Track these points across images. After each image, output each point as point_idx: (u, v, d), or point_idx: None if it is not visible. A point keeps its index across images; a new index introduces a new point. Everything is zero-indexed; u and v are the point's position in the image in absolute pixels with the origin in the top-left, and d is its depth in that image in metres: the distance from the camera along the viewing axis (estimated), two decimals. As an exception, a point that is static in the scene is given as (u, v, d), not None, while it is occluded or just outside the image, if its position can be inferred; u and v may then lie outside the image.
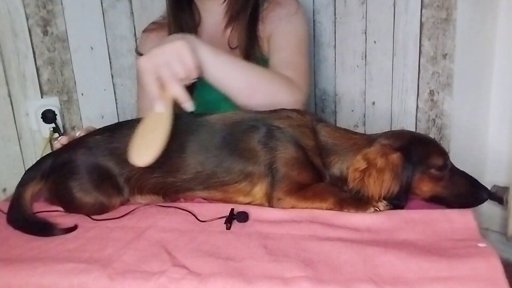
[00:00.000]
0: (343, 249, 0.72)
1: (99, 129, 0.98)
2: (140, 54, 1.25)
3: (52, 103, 1.46)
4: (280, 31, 1.17)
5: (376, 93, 1.47)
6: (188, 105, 0.90)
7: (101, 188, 0.90)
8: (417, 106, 1.38)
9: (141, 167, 0.91)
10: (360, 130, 1.51)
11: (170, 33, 1.20)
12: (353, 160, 0.86)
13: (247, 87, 1.01)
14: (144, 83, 0.89)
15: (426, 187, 0.84)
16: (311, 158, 0.89)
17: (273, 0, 1.21)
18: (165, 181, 0.91)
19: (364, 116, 1.51)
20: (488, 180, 1.37)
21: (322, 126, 0.92)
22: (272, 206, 0.88)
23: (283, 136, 0.89)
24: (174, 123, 0.95)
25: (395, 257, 0.69)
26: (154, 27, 1.27)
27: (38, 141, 1.47)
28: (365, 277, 0.65)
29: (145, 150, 0.87)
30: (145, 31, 1.30)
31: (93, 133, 0.98)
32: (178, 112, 1.18)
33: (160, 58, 0.88)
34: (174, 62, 0.88)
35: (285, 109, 0.95)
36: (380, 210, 0.82)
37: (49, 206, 0.93)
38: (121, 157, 0.91)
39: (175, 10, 1.20)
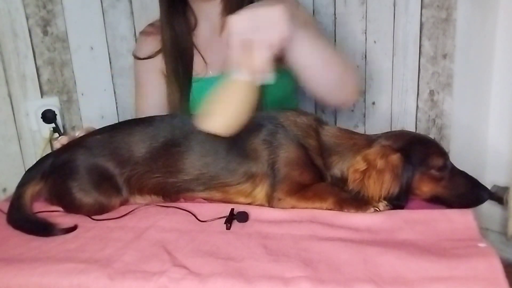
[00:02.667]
0: (343, 249, 0.72)
1: (99, 129, 0.98)
2: (137, 58, 1.26)
3: (52, 103, 1.46)
4: None
5: (376, 93, 1.47)
6: (270, 77, 0.81)
7: (101, 188, 0.90)
8: (417, 106, 1.38)
9: (141, 167, 0.91)
10: (360, 130, 1.51)
11: (164, 38, 1.18)
12: (353, 161, 0.86)
13: (327, 61, 0.93)
14: (229, 44, 0.80)
15: (426, 188, 0.84)
16: (313, 158, 0.89)
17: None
18: (166, 182, 0.91)
19: (364, 116, 1.51)
20: (488, 180, 1.37)
21: (324, 126, 0.93)
22: (272, 206, 0.88)
23: (286, 136, 0.89)
24: (175, 123, 0.95)
25: (395, 257, 0.69)
26: (151, 30, 1.25)
27: (38, 141, 1.47)
28: (365, 277, 0.65)
29: (219, 118, 0.81)
30: (142, 33, 1.29)
31: (93, 133, 0.98)
32: (178, 112, 1.20)
33: (257, 20, 0.78)
34: (270, 27, 0.78)
35: (289, 109, 0.95)
36: (380, 210, 0.82)
37: (49, 206, 0.93)
38: (121, 157, 0.91)
39: (170, 14, 1.18)
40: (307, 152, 0.89)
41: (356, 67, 1.04)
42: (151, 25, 1.27)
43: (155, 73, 1.22)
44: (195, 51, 1.20)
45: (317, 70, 0.93)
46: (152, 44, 1.22)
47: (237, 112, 0.81)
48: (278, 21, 0.79)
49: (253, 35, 0.78)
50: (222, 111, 0.82)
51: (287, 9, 0.80)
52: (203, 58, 1.19)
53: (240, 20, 0.79)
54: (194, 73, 1.19)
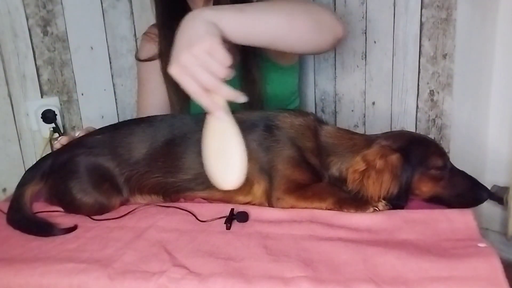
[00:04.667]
0: (343, 249, 0.72)
1: (99, 129, 0.98)
2: (138, 59, 1.26)
3: (52, 103, 1.47)
4: None
5: (376, 93, 1.47)
6: (242, 99, 0.79)
7: (101, 188, 0.90)
8: (417, 106, 1.38)
9: (142, 167, 0.91)
10: (360, 130, 1.51)
11: (160, 42, 1.19)
12: (352, 161, 0.86)
13: (289, 19, 0.88)
14: (190, 94, 0.78)
15: (426, 188, 0.84)
16: (309, 158, 0.89)
17: None
18: (166, 181, 0.91)
19: (364, 116, 1.51)
20: (488, 180, 1.37)
21: (323, 126, 0.93)
22: (271, 206, 0.88)
23: (283, 136, 0.89)
24: (175, 123, 0.95)
25: (395, 257, 0.69)
26: (153, 31, 1.25)
27: (38, 141, 1.47)
28: (365, 277, 0.65)
29: (230, 172, 0.79)
30: (144, 34, 1.29)
31: (93, 133, 0.98)
32: (179, 112, 1.20)
33: (194, 64, 0.76)
34: (209, 64, 0.76)
35: (287, 109, 0.95)
36: (379, 210, 0.82)
37: (49, 206, 0.93)
38: (121, 157, 0.91)
39: (166, 19, 1.17)
40: (301, 152, 0.88)
41: (324, 5, 0.98)
42: (153, 26, 1.27)
43: (156, 74, 1.22)
44: None
45: (286, 36, 0.89)
46: (154, 45, 1.22)
47: (242, 156, 0.79)
48: (213, 52, 0.76)
49: (201, 79, 0.76)
50: (230, 163, 0.79)
51: (212, 32, 0.77)
52: None
53: (180, 71, 0.77)
54: None
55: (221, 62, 0.77)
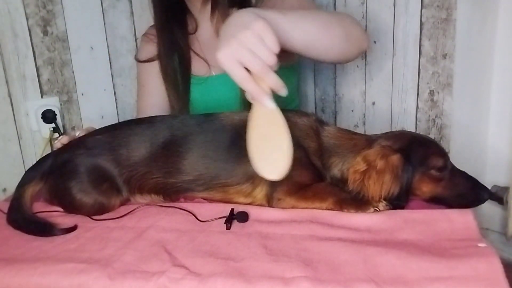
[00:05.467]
0: (343, 249, 0.72)
1: (99, 129, 0.98)
2: (138, 60, 1.26)
3: (52, 103, 1.46)
4: (288, 8, 1.08)
5: (376, 93, 1.47)
6: (284, 91, 0.77)
7: (101, 188, 0.90)
8: (417, 106, 1.38)
9: (141, 168, 0.91)
10: (360, 130, 1.51)
11: (159, 44, 1.19)
12: (353, 162, 0.86)
13: (323, 27, 0.89)
14: (237, 82, 0.75)
15: (426, 188, 0.84)
16: (312, 159, 0.89)
17: None
18: (166, 182, 0.91)
19: (364, 116, 1.51)
20: (488, 180, 1.37)
21: (324, 127, 0.92)
22: (272, 206, 0.88)
23: None
24: (175, 123, 0.95)
25: (395, 257, 0.69)
26: (153, 32, 1.25)
27: (38, 141, 1.47)
28: (365, 277, 0.65)
29: (277, 161, 0.76)
30: (144, 35, 1.30)
31: (93, 133, 0.98)
32: (178, 113, 1.20)
33: (244, 50, 0.73)
34: (259, 48, 0.73)
35: (290, 110, 0.95)
36: (380, 210, 0.82)
37: (49, 206, 0.93)
38: (121, 158, 0.91)
39: (164, 21, 1.18)
40: (306, 153, 0.88)
41: (353, 17, 0.98)
42: (152, 26, 1.27)
43: (156, 74, 1.22)
44: (195, 53, 1.20)
45: (319, 43, 0.89)
46: (153, 46, 1.22)
47: (288, 146, 0.76)
48: (262, 37, 0.74)
49: (250, 65, 0.74)
50: (279, 155, 0.77)
51: (263, 18, 0.75)
52: (204, 59, 1.19)
53: (229, 56, 0.74)
54: (196, 74, 1.20)
55: (271, 47, 0.74)
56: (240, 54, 0.73)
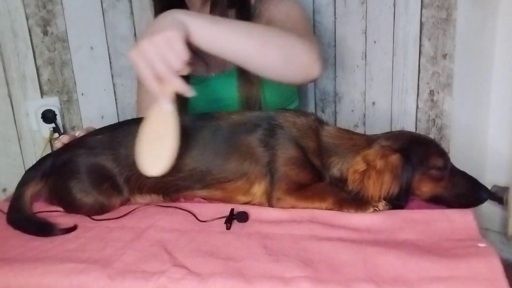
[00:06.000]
0: (343, 249, 0.72)
1: (99, 129, 0.98)
2: None
3: (52, 103, 1.46)
4: (277, 16, 1.12)
5: (376, 93, 1.47)
6: (191, 93, 0.83)
7: (101, 188, 0.90)
8: (417, 106, 1.38)
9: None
10: (360, 130, 1.51)
11: None
12: (352, 162, 0.86)
13: (258, 45, 0.91)
14: (142, 79, 0.82)
15: (426, 188, 0.84)
16: (311, 159, 0.89)
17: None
18: (164, 180, 0.91)
19: (364, 116, 1.51)
20: (488, 180, 1.37)
21: (324, 127, 0.93)
22: (271, 206, 0.88)
23: (284, 136, 0.89)
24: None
25: (395, 257, 0.69)
26: None
27: (38, 141, 1.47)
28: (365, 277, 0.65)
29: (158, 158, 0.81)
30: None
31: (93, 133, 0.98)
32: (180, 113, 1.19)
33: (152, 51, 0.79)
34: (166, 53, 0.80)
35: (288, 109, 0.95)
36: (379, 210, 0.82)
37: (49, 206, 0.93)
38: (121, 157, 0.91)
39: None
40: (304, 152, 0.89)
41: (311, 44, 0.98)
42: None
43: None
44: (193, 53, 1.20)
45: (255, 53, 0.91)
46: None
47: (173, 147, 0.81)
48: (171, 43, 0.79)
49: (156, 66, 0.79)
50: (159, 151, 0.82)
51: (177, 26, 0.81)
52: (203, 60, 1.19)
53: (138, 55, 0.80)
54: (195, 74, 1.20)
55: (178, 54, 0.80)
56: (147, 54, 0.79)
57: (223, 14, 1.12)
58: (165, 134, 0.82)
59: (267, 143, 0.88)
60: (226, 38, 0.88)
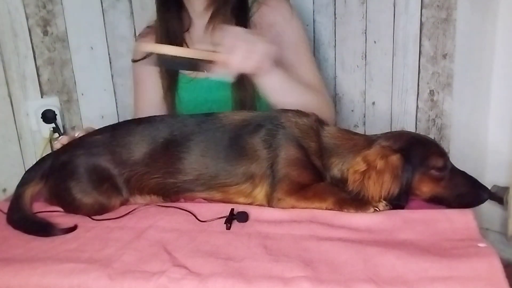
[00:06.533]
0: (343, 249, 0.72)
1: (99, 129, 0.98)
2: (134, 60, 1.26)
3: (52, 103, 1.46)
4: (283, 43, 1.16)
5: (376, 93, 1.47)
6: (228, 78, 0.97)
7: (101, 188, 0.90)
8: (417, 106, 1.38)
9: (141, 168, 0.91)
10: (360, 130, 1.51)
11: (158, 37, 1.19)
12: (353, 162, 0.86)
13: (296, 98, 1.05)
14: (221, 43, 0.93)
15: (426, 188, 0.84)
16: (312, 159, 0.89)
17: (263, 2, 1.19)
18: (165, 182, 0.91)
19: (364, 116, 1.51)
20: (488, 180, 1.37)
21: (324, 127, 0.93)
22: (272, 206, 0.88)
23: (286, 136, 0.89)
24: (175, 123, 0.95)
25: (395, 257, 0.69)
26: (148, 31, 1.26)
27: (38, 141, 1.47)
28: (365, 277, 0.65)
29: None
30: (139, 35, 1.31)
31: (93, 133, 0.98)
32: (179, 113, 1.20)
33: (248, 43, 0.93)
34: (255, 52, 0.93)
35: (289, 110, 0.95)
36: (379, 210, 0.82)
37: (49, 206, 0.93)
38: (121, 158, 0.91)
39: (163, 14, 1.19)
40: (306, 153, 0.89)
41: (330, 103, 1.18)
42: (148, 27, 1.28)
43: (152, 73, 1.22)
44: None
45: (285, 103, 1.02)
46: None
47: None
48: (264, 54, 0.94)
49: (243, 43, 0.92)
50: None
51: (274, 52, 0.96)
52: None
53: (236, 34, 0.94)
54: (186, 73, 1.20)
55: (258, 62, 0.95)
56: (243, 42, 0.94)
57: (224, 22, 1.13)
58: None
59: (271, 144, 0.88)
60: (284, 89, 1.04)
